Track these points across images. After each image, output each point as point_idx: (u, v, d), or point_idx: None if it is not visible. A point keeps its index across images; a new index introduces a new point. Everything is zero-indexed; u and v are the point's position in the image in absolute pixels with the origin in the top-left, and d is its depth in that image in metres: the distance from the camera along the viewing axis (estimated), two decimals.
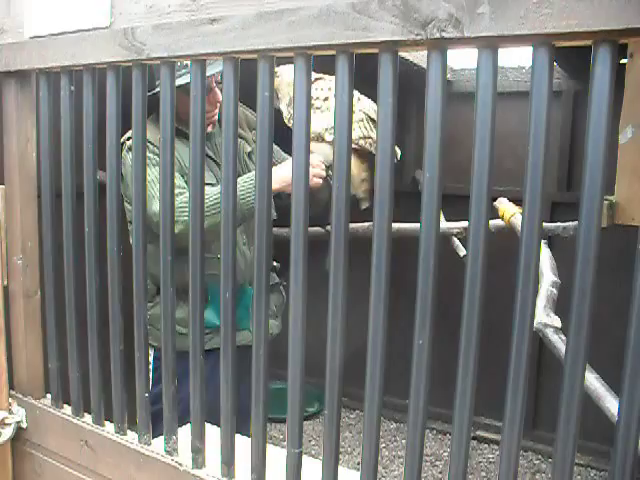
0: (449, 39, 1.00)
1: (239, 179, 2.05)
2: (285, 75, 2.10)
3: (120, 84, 1.45)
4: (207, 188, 1.96)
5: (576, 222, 0.98)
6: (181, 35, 1.27)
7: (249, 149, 2.36)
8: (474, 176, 1.04)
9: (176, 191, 1.95)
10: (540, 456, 3.64)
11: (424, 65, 3.00)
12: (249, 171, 2.32)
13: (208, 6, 1.26)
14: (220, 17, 1.21)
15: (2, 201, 1.73)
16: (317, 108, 2.15)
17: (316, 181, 2.12)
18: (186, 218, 1.40)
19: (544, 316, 1.86)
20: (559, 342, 1.80)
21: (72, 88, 1.55)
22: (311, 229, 1.44)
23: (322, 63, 1.31)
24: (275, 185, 1.95)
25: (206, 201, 1.85)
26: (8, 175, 1.73)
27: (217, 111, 2.26)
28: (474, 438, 3.75)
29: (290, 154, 1.22)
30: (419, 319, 1.12)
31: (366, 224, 2.41)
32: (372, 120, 2.18)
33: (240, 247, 2.28)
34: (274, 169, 1.40)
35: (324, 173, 2.15)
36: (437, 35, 1.00)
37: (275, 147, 2.40)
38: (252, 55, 1.21)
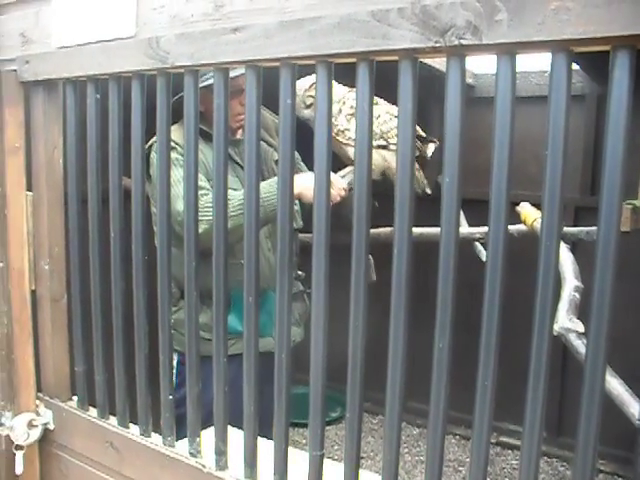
0: (467, 46, 1.01)
1: (263, 182, 2.08)
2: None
3: (145, 92, 1.48)
4: (232, 191, 1.99)
5: None
6: (204, 44, 1.29)
7: (277, 157, 2.38)
8: (493, 181, 1.05)
9: (201, 192, 1.98)
10: (565, 463, 3.62)
11: (444, 69, 3.00)
12: None
13: (230, 15, 1.29)
14: (242, 26, 1.23)
15: (30, 207, 1.77)
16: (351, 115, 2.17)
17: (335, 196, 2.15)
18: (210, 218, 1.42)
19: (567, 321, 1.85)
20: (582, 347, 1.79)
21: (98, 96, 1.58)
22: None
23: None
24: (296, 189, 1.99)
25: (231, 201, 1.88)
26: (36, 182, 1.76)
27: None
28: (498, 444, 3.73)
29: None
30: (439, 323, 1.13)
31: (389, 229, 2.41)
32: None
33: (265, 253, 2.29)
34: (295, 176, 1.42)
35: (343, 192, 2.17)
36: (456, 42, 1.01)
37: (299, 164, 2.43)
38: (274, 63, 1.23)
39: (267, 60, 1.22)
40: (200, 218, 1.49)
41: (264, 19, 1.23)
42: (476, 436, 1.14)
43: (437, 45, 1.03)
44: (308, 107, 2.18)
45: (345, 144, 2.24)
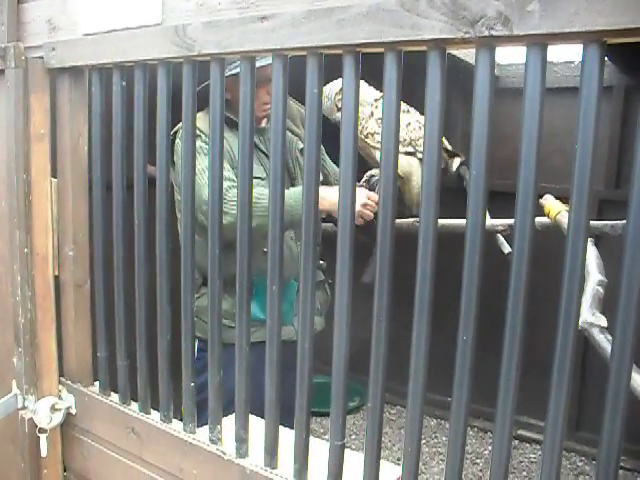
0: (498, 37, 1.00)
1: (291, 190, 2.09)
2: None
3: (170, 79, 1.48)
4: (261, 189, 1.99)
5: (624, 221, 0.97)
6: (231, 32, 1.29)
7: (302, 146, 2.37)
8: (521, 174, 1.04)
9: (227, 184, 1.99)
10: (584, 458, 3.60)
11: (470, 60, 2.99)
12: (300, 168, 2.34)
13: (258, 3, 1.28)
14: (270, 14, 1.22)
15: (55, 194, 1.78)
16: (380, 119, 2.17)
17: (364, 213, 2.16)
18: (235, 212, 1.42)
19: (590, 315, 1.83)
20: (605, 342, 1.77)
21: (123, 83, 1.58)
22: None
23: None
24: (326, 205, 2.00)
25: (260, 202, 1.88)
26: (61, 168, 1.78)
27: None
28: (516, 437, 3.72)
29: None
30: (463, 316, 1.13)
31: (410, 220, 2.41)
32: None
33: (287, 242, 2.29)
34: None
35: (371, 214, 2.18)
36: (486, 33, 1.00)
37: (322, 156, 2.43)
38: (301, 52, 1.22)
39: (294, 49, 1.22)
40: (225, 210, 1.49)
41: (292, 8, 1.22)
42: (498, 431, 1.13)
43: (467, 36, 1.02)
44: (340, 110, 2.17)
45: (374, 147, 2.24)
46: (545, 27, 0.94)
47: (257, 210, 1.60)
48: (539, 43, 0.99)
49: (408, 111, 2.23)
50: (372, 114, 2.22)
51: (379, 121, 2.21)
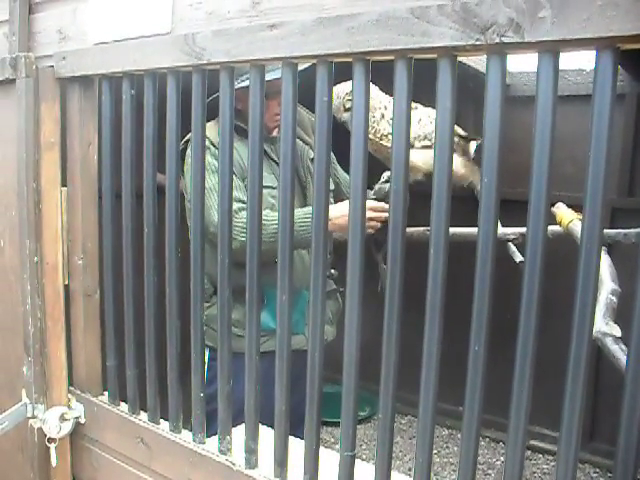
0: (509, 44, 0.99)
1: (300, 210, 2.11)
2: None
3: (180, 88, 1.48)
4: (269, 212, 1.99)
5: (638, 229, 0.96)
6: (241, 40, 1.29)
7: (313, 155, 2.37)
8: (533, 182, 1.03)
9: (237, 205, 1.99)
10: (598, 469, 3.55)
11: (479, 68, 2.97)
12: (312, 176, 2.33)
13: (267, 12, 1.28)
14: (279, 23, 1.22)
15: (65, 203, 1.78)
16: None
17: (373, 224, 2.15)
18: (244, 239, 1.42)
19: (603, 325, 1.81)
20: (619, 352, 1.75)
21: (133, 92, 1.58)
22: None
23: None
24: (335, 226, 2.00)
25: (267, 226, 1.89)
26: (71, 177, 1.78)
27: None
28: (528, 448, 3.67)
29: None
30: (475, 326, 1.11)
31: (421, 228, 2.39)
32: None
33: (299, 251, 2.29)
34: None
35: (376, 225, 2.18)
36: (497, 40, 0.99)
37: (333, 164, 2.43)
38: (311, 60, 1.22)
39: (304, 57, 1.21)
40: (234, 236, 1.49)
41: (301, 16, 1.22)
42: (511, 442, 1.12)
43: (477, 43, 1.01)
44: (347, 110, 2.17)
45: (390, 148, 2.24)
46: (557, 33, 0.93)
47: (265, 235, 1.60)
48: (551, 50, 0.98)
49: (416, 108, 2.23)
50: (383, 116, 2.23)
51: (391, 121, 2.21)
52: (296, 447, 1.42)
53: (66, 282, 1.83)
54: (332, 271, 2.45)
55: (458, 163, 2.27)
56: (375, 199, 2.26)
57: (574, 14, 0.91)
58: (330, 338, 2.40)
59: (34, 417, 1.83)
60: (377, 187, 2.31)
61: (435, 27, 1.05)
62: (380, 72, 1.33)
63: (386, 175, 2.30)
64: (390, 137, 2.12)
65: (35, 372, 1.81)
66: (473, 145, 2.40)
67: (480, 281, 1.10)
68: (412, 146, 2.17)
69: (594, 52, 0.95)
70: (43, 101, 1.73)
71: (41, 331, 1.81)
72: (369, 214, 2.13)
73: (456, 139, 2.17)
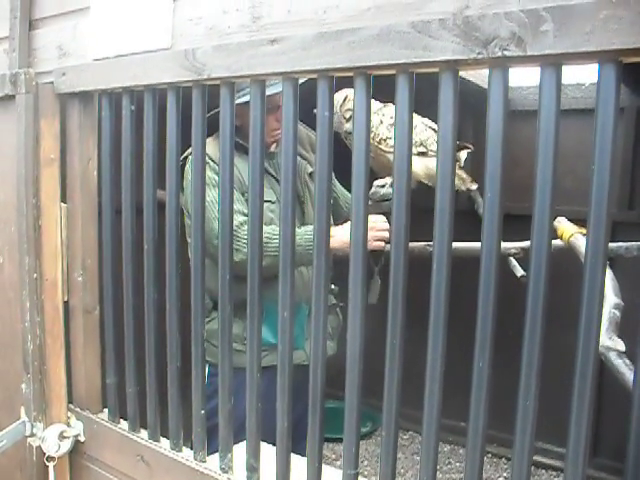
0: (511, 57, 0.98)
1: (303, 229, 2.12)
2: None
3: (180, 104, 1.48)
4: (274, 228, 1.99)
5: (639, 242, 0.95)
6: (241, 55, 1.28)
7: (310, 170, 2.37)
8: (537, 196, 1.02)
9: (240, 219, 1.99)
10: None
11: (479, 82, 2.97)
12: (310, 191, 2.33)
13: (268, 27, 1.28)
14: (280, 38, 1.22)
15: (65, 219, 1.77)
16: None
17: (376, 244, 2.15)
18: (246, 249, 1.41)
19: (607, 339, 1.79)
20: (623, 366, 1.73)
21: (133, 108, 1.58)
22: None
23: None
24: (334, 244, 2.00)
25: (270, 241, 1.89)
26: (70, 193, 1.77)
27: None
28: (532, 464, 3.64)
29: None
30: (480, 341, 1.10)
31: (422, 243, 2.38)
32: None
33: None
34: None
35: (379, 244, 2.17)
36: (499, 54, 0.99)
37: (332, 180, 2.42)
38: (312, 75, 1.21)
39: (305, 72, 1.21)
40: (236, 247, 1.48)
41: (302, 31, 1.22)
42: (517, 459, 1.10)
43: (480, 57, 1.01)
44: (348, 120, 2.17)
45: (388, 152, 2.24)
46: (560, 47, 0.92)
47: (268, 250, 1.59)
48: (553, 63, 0.97)
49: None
50: (381, 122, 2.23)
51: (389, 127, 2.21)
52: (298, 465, 1.41)
53: (66, 299, 1.82)
54: (332, 286, 2.44)
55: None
56: (370, 202, 2.25)
57: (576, 27, 0.90)
58: (330, 353, 2.38)
59: (33, 435, 1.81)
60: (372, 190, 2.29)
61: (437, 41, 1.04)
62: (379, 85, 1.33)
63: (381, 181, 2.30)
64: (388, 142, 2.13)
65: (34, 390, 1.79)
66: (464, 154, 2.40)
67: (484, 297, 1.09)
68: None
69: (596, 65, 0.95)
70: (43, 117, 1.73)
71: (40, 348, 1.79)
72: (373, 234, 2.12)
73: None
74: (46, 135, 1.74)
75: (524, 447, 1.09)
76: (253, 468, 1.44)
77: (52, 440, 1.78)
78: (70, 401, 1.86)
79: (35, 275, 1.76)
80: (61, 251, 1.78)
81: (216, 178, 2.04)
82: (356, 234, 1.22)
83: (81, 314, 1.79)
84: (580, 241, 2.16)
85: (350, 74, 1.17)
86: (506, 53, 0.98)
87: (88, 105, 1.72)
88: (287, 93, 1.26)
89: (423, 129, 2.28)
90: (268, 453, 1.46)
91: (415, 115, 2.30)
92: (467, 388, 1.14)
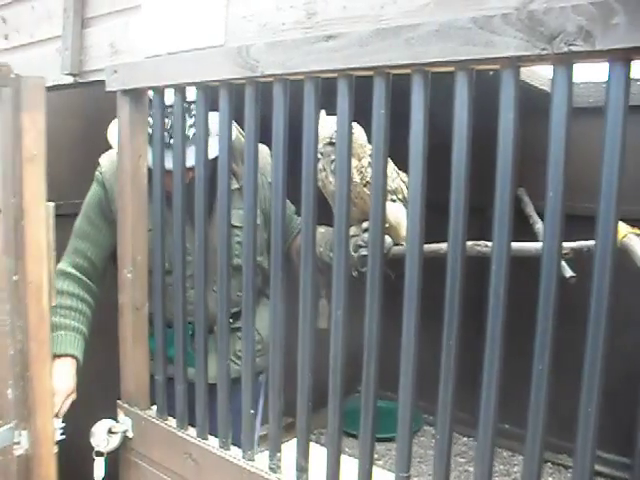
0: (577, 53, 0.95)
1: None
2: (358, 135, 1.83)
3: (233, 101, 1.47)
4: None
5: None
6: (295, 52, 1.27)
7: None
8: (602, 195, 0.99)
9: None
10: None
11: (528, 80, 2.88)
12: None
13: (323, 23, 1.26)
14: (336, 34, 1.20)
15: (52, 219, 1.63)
16: None
17: None
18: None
19: None
20: None
21: (186, 105, 1.58)
22: None
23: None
24: None
25: None
26: (121, 190, 1.77)
27: None
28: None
29: None
30: (538, 347, 1.08)
31: (470, 243, 2.34)
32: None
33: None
34: None
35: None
36: (565, 49, 0.96)
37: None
38: (368, 72, 1.19)
39: (361, 69, 1.19)
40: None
41: (358, 27, 1.20)
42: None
43: (544, 53, 0.98)
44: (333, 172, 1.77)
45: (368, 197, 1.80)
46: (631, 40, 0.89)
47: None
48: (623, 58, 0.94)
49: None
50: (370, 163, 1.83)
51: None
52: (347, 465, 1.39)
53: (53, 303, 1.66)
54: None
55: None
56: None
57: None
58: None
59: (17, 443, 1.65)
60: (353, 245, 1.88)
61: (499, 37, 1.02)
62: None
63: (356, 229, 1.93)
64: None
65: (15, 397, 1.64)
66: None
67: (544, 298, 1.06)
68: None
69: None
70: (25, 111, 1.56)
71: (22, 353, 1.64)
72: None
73: None
74: (29, 130, 1.57)
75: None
76: (302, 468, 1.43)
77: (101, 435, 1.79)
78: (119, 397, 1.87)
79: (15, 277, 1.61)
80: (48, 253, 1.63)
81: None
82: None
83: (130, 311, 1.79)
84: (633, 241, 2.11)
85: (408, 71, 1.15)
86: (572, 48, 0.95)
87: (139, 102, 1.72)
88: (342, 91, 1.25)
89: (395, 176, 1.98)
90: (317, 453, 1.45)
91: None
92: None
